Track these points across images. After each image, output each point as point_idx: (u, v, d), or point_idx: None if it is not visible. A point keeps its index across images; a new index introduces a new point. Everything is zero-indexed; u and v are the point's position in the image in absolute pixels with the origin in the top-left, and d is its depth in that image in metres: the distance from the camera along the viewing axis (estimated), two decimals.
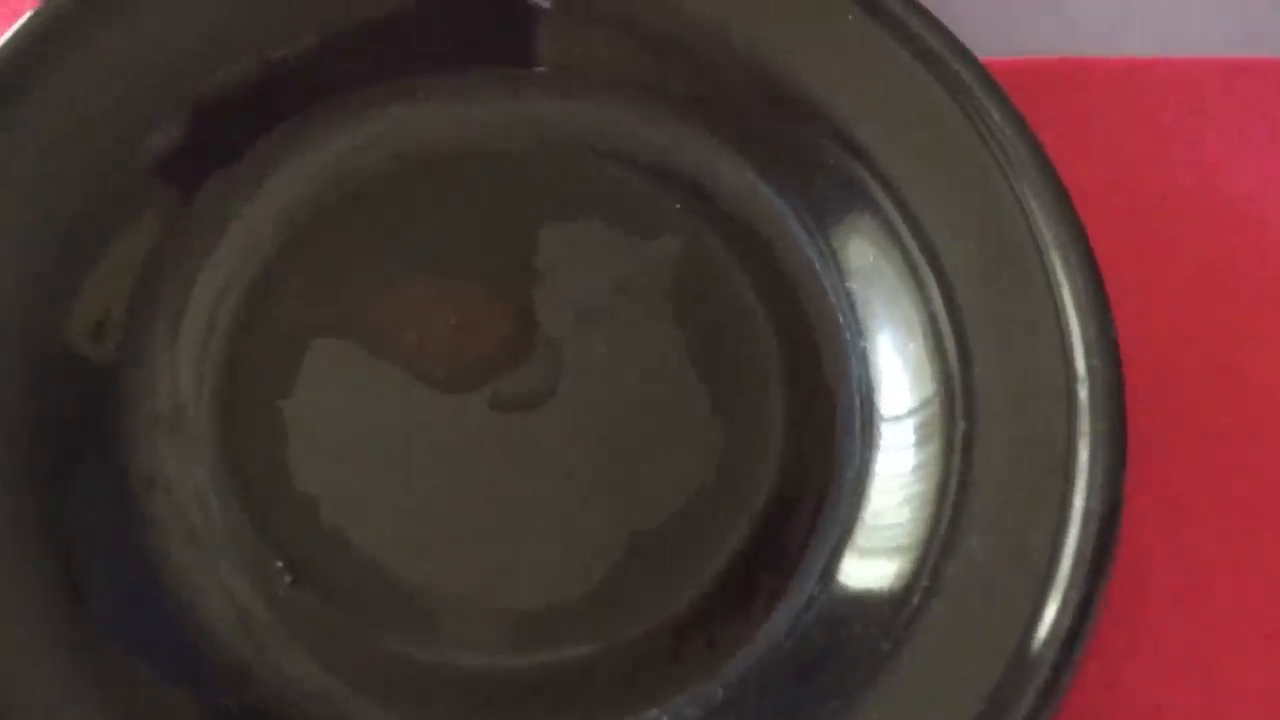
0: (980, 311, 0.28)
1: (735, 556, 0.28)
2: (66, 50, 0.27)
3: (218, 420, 0.28)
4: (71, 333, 0.28)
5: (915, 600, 0.26)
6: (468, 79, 0.30)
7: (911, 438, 0.28)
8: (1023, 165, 0.27)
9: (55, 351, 0.27)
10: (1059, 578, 0.25)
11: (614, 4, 0.29)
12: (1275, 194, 0.32)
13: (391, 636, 0.27)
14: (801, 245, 0.30)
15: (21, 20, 0.27)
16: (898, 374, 0.29)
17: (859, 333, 0.29)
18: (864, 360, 0.29)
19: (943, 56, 0.28)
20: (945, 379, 0.28)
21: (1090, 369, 0.26)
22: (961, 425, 0.27)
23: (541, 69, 0.30)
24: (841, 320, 0.29)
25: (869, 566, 0.28)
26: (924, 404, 0.28)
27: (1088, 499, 0.25)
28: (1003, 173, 0.27)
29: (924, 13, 0.28)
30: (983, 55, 0.28)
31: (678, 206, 0.30)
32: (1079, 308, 0.26)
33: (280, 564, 0.27)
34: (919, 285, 0.28)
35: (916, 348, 0.28)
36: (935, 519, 0.27)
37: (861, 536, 0.28)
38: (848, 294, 0.29)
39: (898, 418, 0.28)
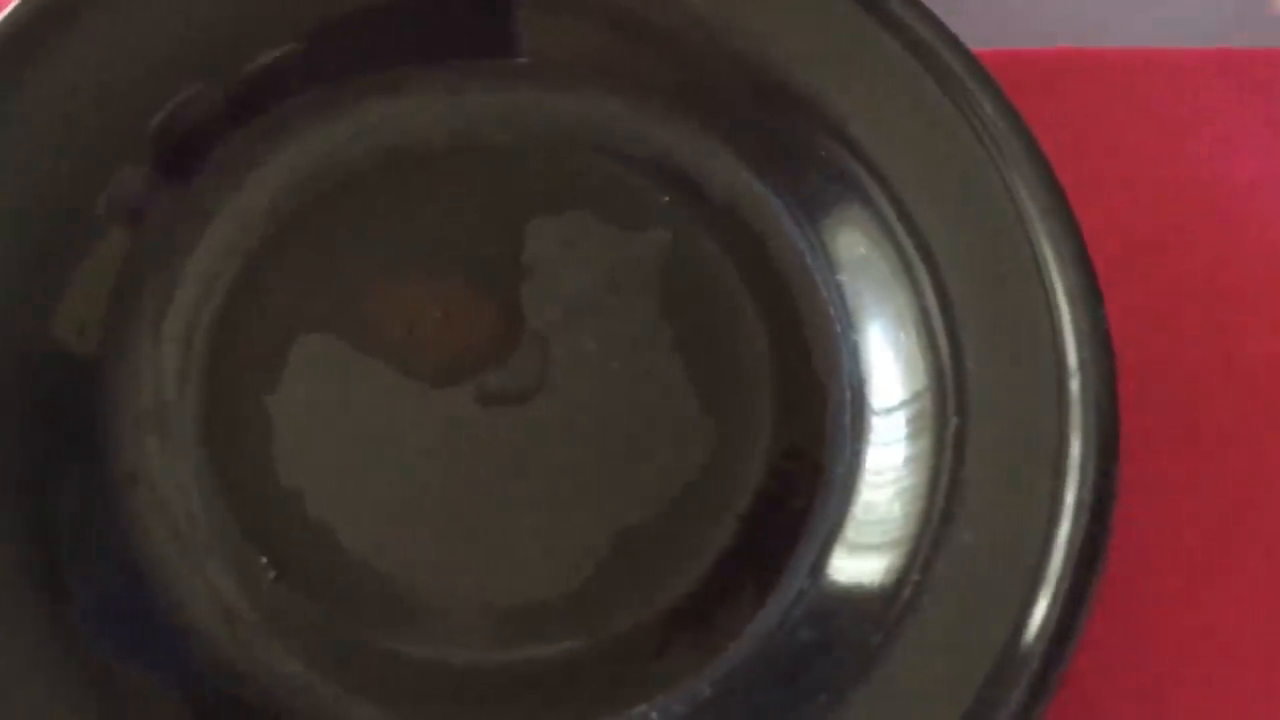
0: (972, 304, 0.28)
1: (724, 552, 0.28)
2: (47, 51, 0.27)
3: (202, 416, 0.28)
4: (56, 329, 0.28)
5: (905, 595, 0.26)
6: (454, 72, 0.30)
7: (903, 431, 0.28)
8: (1015, 158, 0.27)
9: (39, 349, 0.27)
10: (1050, 572, 0.25)
11: None
12: (1271, 186, 0.31)
13: (378, 632, 0.27)
14: (792, 238, 0.30)
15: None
16: (889, 367, 0.29)
17: (850, 326, 0.29)
18: (855, 353, 0.29)
19: (935, 48, 0.27)
20: (937, 372, 0.28)
21: (1082, 362, 0.26)
22: (953, 419, 0.27)
23: (525, 60, 0.30)
24: (832, 313, 0.29)
25: (859, 561, 0.27)
26: (915, 397, 0.28)
27: (1079, 493, 0.25)
28: (995, 165, 0.27)
29: (916, 4, 0.28)
30: (975, 47, 0.28)
31: (667, 200, 0.30)
32: (1071, 301, 0.26)
33: (265, 560, 0.27)
34: (910, 278, 0.28)
35: (908, 341, 0.28)
36: (926, 513, 0.27)
37: (852, 531, 0.28)
38: (838, 287, 0.29)
39: (889, 411, 0.28)
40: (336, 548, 0.27)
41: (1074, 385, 0.26)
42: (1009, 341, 0.27)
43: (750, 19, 0.29)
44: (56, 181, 0.27)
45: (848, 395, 0.29)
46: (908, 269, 0.28)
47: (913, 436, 0.28)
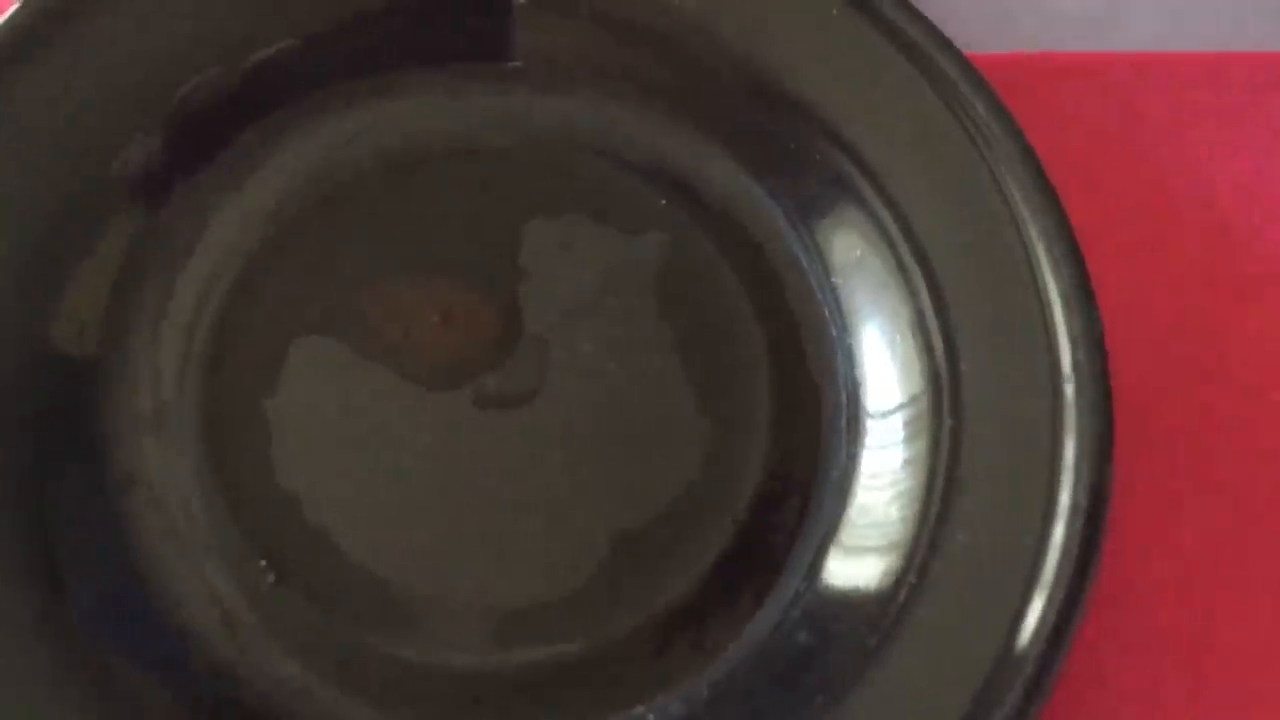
0: (967, 307, 0.28)
1: (722, 554, 0.28)
2: (44, 53, 0.27)
3: (200, 419, 0.28)
4: (55, 332, 0.28)
5: (902, 597, 0.26)
6: (452, 75, 0.30)
7: (898, 434, 0.28)
8: (1009, 161, 0.27)
9: (38, 351, 0.27)
10: (1045, 573, 0.25)
11: None
12: (1263, 189, 0.32)
13: (376, 635, 0.27)
14: (788, 241, 0.30)
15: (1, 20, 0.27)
16: (884, 370, 0.29)
17: (845, 329, 0.29)
18: (850, 356, 0.29)
19: (929, 52, 0.28)
20: (932, 375, 0.28)
21: (1076, 364, 0.26)
22: (948, 421, 0.27)
23: (521, 64, 0.30)
24: (828, 316, 0.29)
25: (855, 564, 0.27)
26: (911, 400, 0.28)
27: (1074, 494, 0.25)
28: (989, 169, 0.27)
29: (910, 8, 0.28)
30: (969, 51, 0.28)
31: (664, 202, 0.30)
32: (1065, 303, 0.26)
33: (263, 563, 0.27)
34: (905, 281, 0.28)
35: (903, 343, 0.28)
36: (922, 516, 0.27)
37: (848, 534, 0.28)
38: (834, 290, 0.29)
39: (884, 414, 0.28)
40: (335, 550, 0.27)
41: (1068, 387, 0.26)
42: (1004, 344, 0.27)
43: (747, 23, 0.29)
44: (56, 181, 0.27)
45: (844, 398, 0.29)
46: (903, 271, 0.28)
47: (909, 439, 0.28)
